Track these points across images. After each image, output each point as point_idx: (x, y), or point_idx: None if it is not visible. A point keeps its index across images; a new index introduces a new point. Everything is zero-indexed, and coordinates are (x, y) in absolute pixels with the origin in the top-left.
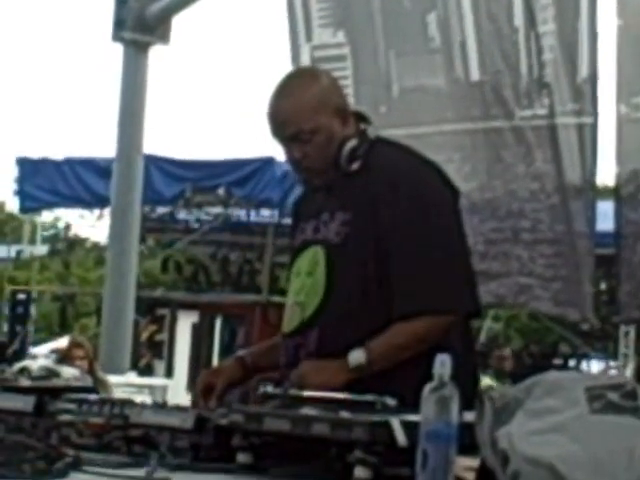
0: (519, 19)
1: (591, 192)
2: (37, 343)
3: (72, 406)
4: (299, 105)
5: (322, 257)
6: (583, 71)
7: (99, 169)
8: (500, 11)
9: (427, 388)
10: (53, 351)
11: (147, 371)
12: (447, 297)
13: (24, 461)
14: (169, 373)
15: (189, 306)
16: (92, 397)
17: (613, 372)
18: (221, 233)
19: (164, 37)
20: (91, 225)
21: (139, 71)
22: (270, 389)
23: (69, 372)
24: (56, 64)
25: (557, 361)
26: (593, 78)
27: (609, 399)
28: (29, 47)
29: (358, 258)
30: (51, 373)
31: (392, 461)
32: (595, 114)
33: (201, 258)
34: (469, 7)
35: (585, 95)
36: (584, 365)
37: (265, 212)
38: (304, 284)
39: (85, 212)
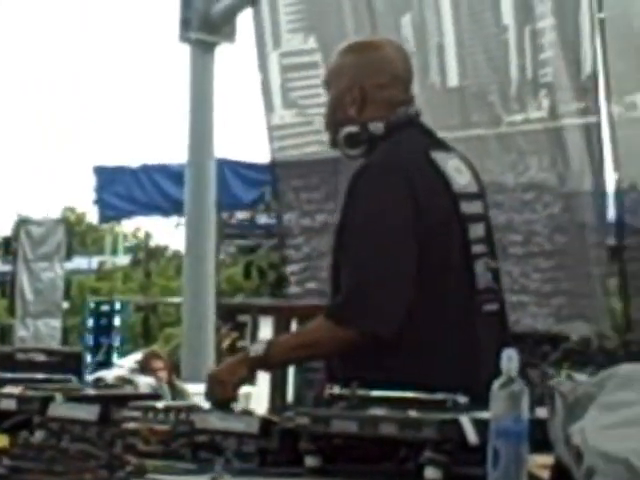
0: (509, 16)
1: (601, 197)
2: (123, 354)
3: (137, 414)
4: (334, 63)
5: None
6: (587, 67)
7: (174, 175)
8: (485, 9)
9: (496, 384)
10: (137, 362)
11: None
12: (353, 313)
13: (86, 470)
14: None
15: (270, 312)
16: (158, 404)
17: None
18: None
19: (230, 36)
20: (170, 233)
21: (206, 71)
22: (337, 390)
23: (145, 382)
24: (127, 71)
25: None
26: (595, 74)
27: None
28: (101, 56)
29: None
30: (126, 383)
31: (463, 460)
32: (599, 112)
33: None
34: (448, 6)
35: (589, 93)
36: None
37: None
38: None
39: (163, 220)
